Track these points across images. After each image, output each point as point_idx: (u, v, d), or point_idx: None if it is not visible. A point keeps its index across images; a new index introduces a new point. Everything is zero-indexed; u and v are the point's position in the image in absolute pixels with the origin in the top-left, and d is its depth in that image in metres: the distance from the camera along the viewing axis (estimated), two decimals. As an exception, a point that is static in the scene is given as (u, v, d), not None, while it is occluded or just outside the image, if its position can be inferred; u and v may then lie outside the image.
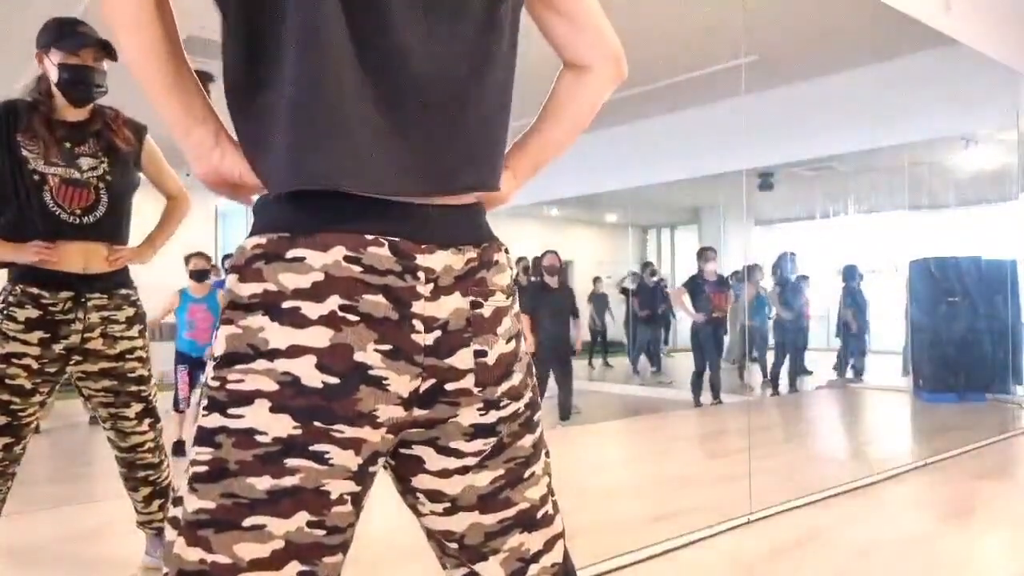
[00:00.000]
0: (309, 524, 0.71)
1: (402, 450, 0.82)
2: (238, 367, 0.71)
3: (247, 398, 0.71)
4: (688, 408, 6.50)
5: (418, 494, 0.83)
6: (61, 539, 2.75)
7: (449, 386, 0.77)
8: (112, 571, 2.39)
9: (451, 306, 0.77)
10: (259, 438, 0.70)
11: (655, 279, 8.70)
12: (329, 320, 0.71)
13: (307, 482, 0.71)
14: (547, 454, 0.91)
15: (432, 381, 0.76)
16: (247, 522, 0.69)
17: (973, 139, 6.78)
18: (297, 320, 0.71)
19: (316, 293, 0.71)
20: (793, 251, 7.54)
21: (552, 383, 5.52)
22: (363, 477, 0.75)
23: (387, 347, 0.73)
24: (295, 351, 0.71)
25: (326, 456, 0.71)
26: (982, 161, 7.13)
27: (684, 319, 7.35)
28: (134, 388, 2.15)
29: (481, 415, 0.81)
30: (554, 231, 10.63)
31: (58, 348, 2.02)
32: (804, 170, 8.00)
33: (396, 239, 0.73)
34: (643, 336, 8.60)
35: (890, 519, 3.09)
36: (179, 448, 3.83)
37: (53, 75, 1.99)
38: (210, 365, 0.74)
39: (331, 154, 0.71)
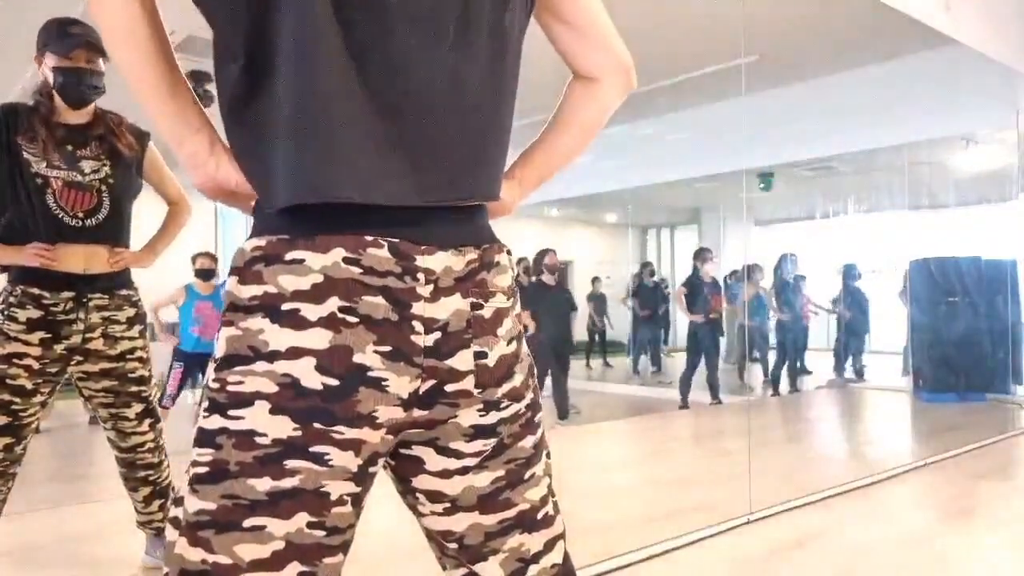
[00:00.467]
0: (309, 525, 0.71)
1: (402, 450, 0.82)
2: (238, 369, 0.71)
3: (247, 400, 0.71)
4: (688, 408, 6.50)
5: (418, 494, 0.84)
6: (61, 539, 2.75)
7: (449, 387, 0.77)
8: (112, 571, 2.39)
9: (451, 307, 0.76)
10: (259, 439, 0.70)
11: (655, 279, 8.70)
12: (329, 322, 0.71)
13: (307, 483, 0.71)
14: (548, 455, 0.91)
15: (432, 382, 0.76)
16: (247, 523, 0.70)
17: (973, 139, 6.78)
18: (296, 322, 0.71)
19: (315, 295, 0.71)
20: (794, 252, 7.55)
21: (548, 382, 5.53)
22: (363, 478, 0.75)
23: (387, 348, 0.73)
24: (294, 353, 0.71)
25: (326, 457, 0.71)
26: (982, 161, 7.13)
27: (684, 319, 7.36)
28: (134, 388, 2.15)
29: (481, 416, 0.81)
30: (554, 231, 10.63)
31: (59, 348, 2.02)
32: (804, 170, 8.00)
33: (396, 240, 0.73)
34: (643, 336, 8.60)
35: (890, 519, 3.09)
36: None
37: (50, 78, 1.99)
38: (211, 367, 0.74)
39: (329, 167, 0.71)
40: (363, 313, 0.72)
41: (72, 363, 2.07)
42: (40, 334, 1.99)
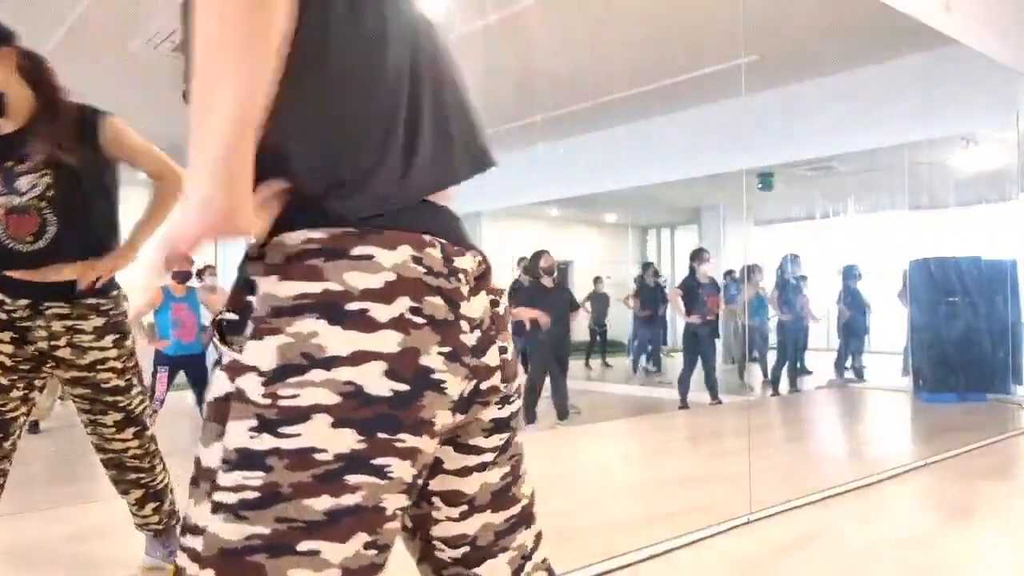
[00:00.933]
0: (365, 545, 0.67)
1: None
2: (291, 380, 0.65)
3: (303, 414, 0.65)
4: (687, 408, 6.50)
5: (434, 498, 0.82)
6: (61, 539, 2.74)
7: (483, 385, 0.78)
8: (112, 571, 2.39)
9: (481, 306, 0.78)
10: (318, 456, 0.65)
11: (656, 279, 8.70)
12: (399, 323, 0.67)
13: (368, 499, 0.66)
14: None
15: (474, 382, 0.76)
16: (302, 546, 0.64)
17: (973, 139, 6.78)
18: (364, 324, 0.66)
19: (386, 294, 0.67)
20: (795, 253, 7.55)
21: (547, 382, 5.52)
22: (413, 490, 0.72)
23: (448, 349, 0.71)
24: (360, 357, 0.66)
25: (387, 469, 0.67)
26: (982, 161, 7.13)
27: (680, 319, 7.36)
28: (109, 399, 2.04)
29: (499, 409, 0.82)
30: (554, 231, 10.63)
31: (30, 349, 1.96)
32: (804, 170, 7.99)
33: (444, 241, 0.74)
34: (643, 336, 8.60)
35: (890, 519, 3.09)
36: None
37: None
38: (256, 381, 0.66)
39: (427, 169, 0.73)
40: (428, 314, 0.70)
41: (47, 365, 2.00)
42: (9, 334, 1.93)
